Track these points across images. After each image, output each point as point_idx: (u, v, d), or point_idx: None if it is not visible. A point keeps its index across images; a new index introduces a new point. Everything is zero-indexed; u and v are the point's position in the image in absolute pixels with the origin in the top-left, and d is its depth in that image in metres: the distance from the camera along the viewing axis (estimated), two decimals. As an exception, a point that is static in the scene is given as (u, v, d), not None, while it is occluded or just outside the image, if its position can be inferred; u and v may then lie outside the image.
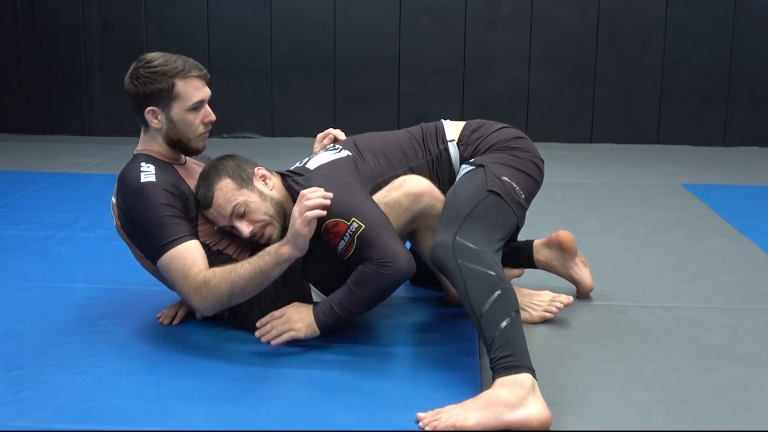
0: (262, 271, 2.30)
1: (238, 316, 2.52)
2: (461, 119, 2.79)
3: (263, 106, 6.30)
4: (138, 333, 2.55)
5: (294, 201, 2.47)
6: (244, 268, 2.30)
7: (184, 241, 2.34)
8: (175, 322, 2.61)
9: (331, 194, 2.32)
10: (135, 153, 2.52)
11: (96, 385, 2.20)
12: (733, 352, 2.46)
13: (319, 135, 2.83)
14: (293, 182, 2.50)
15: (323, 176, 2.47)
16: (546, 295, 2.68)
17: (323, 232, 2.39)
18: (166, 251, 2.33)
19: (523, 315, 2.65)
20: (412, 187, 2.46)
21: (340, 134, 2.79)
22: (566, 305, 2.65)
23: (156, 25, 6.24)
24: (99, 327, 2.60)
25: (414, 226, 2.52)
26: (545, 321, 2.65)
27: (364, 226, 2.33)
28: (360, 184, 2.48)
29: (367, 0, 6.14)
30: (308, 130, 6.22)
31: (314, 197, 2.28)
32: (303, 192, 2.31)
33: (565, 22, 6.08)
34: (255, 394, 2.16)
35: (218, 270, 2.32)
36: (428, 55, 6.17)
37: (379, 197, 2.48)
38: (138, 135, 2.54)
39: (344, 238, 2.35)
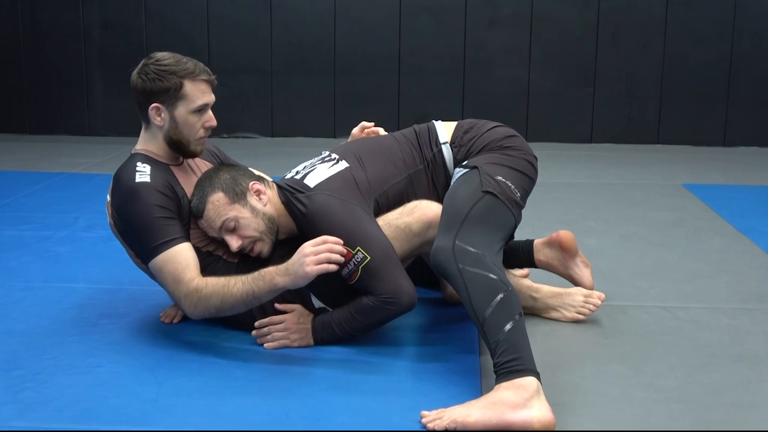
0: (254, 295, 2.30)
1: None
2: (462, 119, 2.78)
3: (263, 106, 6.29)
4: (138, 333, 2.55)
5: (291, 216, 2.48)
6: (237, 287, 2.29)
7: (176, 244, 2.35)
8: (176, 320, 2.62)
9: (344, 251, 2.29)
10: (132, 152, 2.53)
11: (96, 385, 2.20)
12: (733, 352, 2.46)
13: (356, 130, 2.85)
14: (295, 200, 2.46)
15: (326, 196, 2.44)
16: (578, 295, 2.67)
17: None
18: (159, 253, 2.34)
19: (556, 315, 2.66)
20: (424, 213, 2.46)
21: (380, 130, 2.82)
22: (599, 306, 2.65)
23: (156, 25, 6.24)
24: (99, 327, 2.60)
25: (421, 251, 2.52)
26: (575, 321, 2.65)
27: (369, 258, 2.34)
28: (362, 202, 2.47)
29: (367, 0, 6.14)
30: (308, 130, 6.24)
31: (336, 253, 2.26)
32: (328, 241, 2.27)
33: (565, 22, 6.08)
34: (255, 393, 2.16)
35: (211, 281, 2.32)
36: (428, 55, 6.17)
37: (389, 219, 2.48)
38: (138, 135, 2.54)
39: (348, 265, 2.35)
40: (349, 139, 2.89)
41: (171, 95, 2.42)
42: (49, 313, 2.71)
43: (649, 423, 2.04)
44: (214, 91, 2.51)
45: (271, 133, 6.33)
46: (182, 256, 2.35)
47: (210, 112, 2.50)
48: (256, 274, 2.30)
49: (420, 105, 6.17)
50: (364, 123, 2.86)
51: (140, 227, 2.36)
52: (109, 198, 2.49)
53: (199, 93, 2.45)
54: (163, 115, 2.45)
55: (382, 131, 2.84)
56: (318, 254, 2.24)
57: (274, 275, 2.28)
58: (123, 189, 2.39)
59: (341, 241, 2.29)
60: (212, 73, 2.51)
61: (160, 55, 2.46)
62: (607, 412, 2.09)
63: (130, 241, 2.45)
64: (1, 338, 2.50)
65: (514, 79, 6.16)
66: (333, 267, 2.25)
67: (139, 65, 2.47)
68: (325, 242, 2.26)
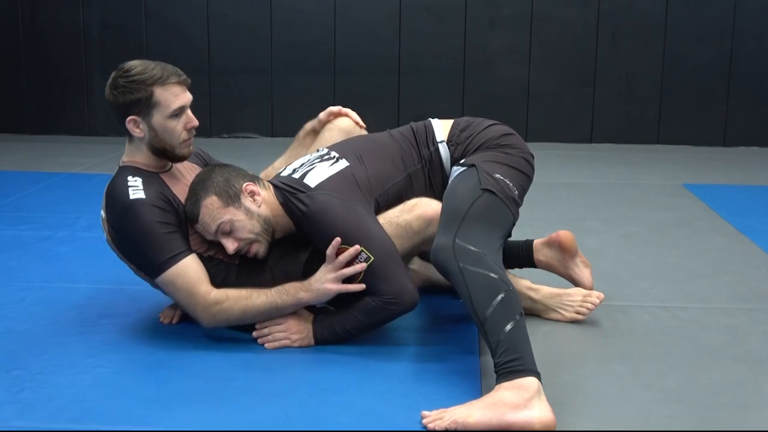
0: (277, 307, 2.38)
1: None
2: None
3: (263, 106, 6.29)
4: (138, 333, 2.56)
5: (290, 216, 2.47)
6: (261, 299, 2.37)
7: (183, 257, 2.37)
8: (174, 321, 2.62)
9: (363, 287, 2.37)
10: (120, 165, 2.50)
11: (96, 385, 2.20)
12: (733, 352, 2.46)
13: (322, 115, 2.85)
14: (296, 200, 2.44)
15: (327, 195, 2.43)
16: (576, 295, 2.67)
17: None
18: (167, 268, 2.36)
19: (554, 315, 2.66)
20: (424, 211, 2.47)
21: (354, 115, 2.82)
22: (597, 305, 2.66)
23: (156, 25, 6.23)
24: (99, 327, 2.60)
25: (422, 249, 2.52)
26: (574, 321, 2.65)
27: (373, 258, 2.35)
28: (363, 201, 2.46)
29: (367, 0, 6.14)
30: (308, 130, 6.22)
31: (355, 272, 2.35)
32: (343, 267, 2.35)
33: (565, 22, 6.08)
34: (255, 394, 2.16)
35: (232, 293, 2.37)
36: (428, 55, 6.17)
37: (389, 217, 2.48)
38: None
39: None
40: (315, 122, 2.87)
41: (144, 105, 2.39)
42: (49, 313, 2.71)
43: (649, 423, 2.04)
44: (190, 90, 2.47)
45: (271, 133, 6.32)
46: (191, 269, 2.37)
47: (189, 113, 2.46)
48: (279, 287, 2.38)
49: (420, 105, 6.17)
50: (332, 108, 2.85)
51: (143, 244, 2.36)
52: (103, 214, 2.47)
53: (172, 97, 2.41)
54: (141, 126, 2.42)
55: (351, 113, 2.83)
56: (338, 275, 2.35)
57: (298, 290, 2.37)
58: (119, 207, 2.38)
59: (361, 268, 2.36)
60: (183, 73, 2.45)
61: (128, 65, 2.42)
62: (607, 412, 2.09)
63: (132, 257, 2.45)
64: (1, 338, 2.50)
65: (514, 79, 6.16)
66: (355, 287, 2.35)
67: (110, 79, 2.42)
68: (340, 265, 2.35)
